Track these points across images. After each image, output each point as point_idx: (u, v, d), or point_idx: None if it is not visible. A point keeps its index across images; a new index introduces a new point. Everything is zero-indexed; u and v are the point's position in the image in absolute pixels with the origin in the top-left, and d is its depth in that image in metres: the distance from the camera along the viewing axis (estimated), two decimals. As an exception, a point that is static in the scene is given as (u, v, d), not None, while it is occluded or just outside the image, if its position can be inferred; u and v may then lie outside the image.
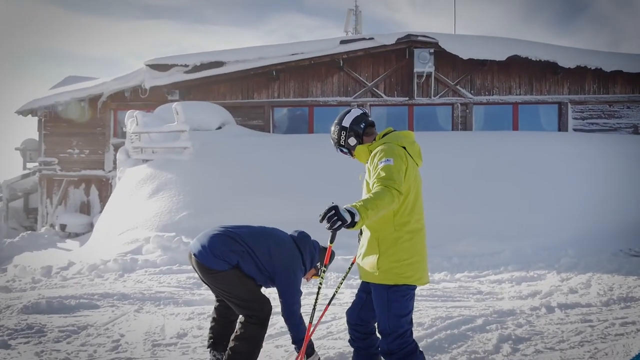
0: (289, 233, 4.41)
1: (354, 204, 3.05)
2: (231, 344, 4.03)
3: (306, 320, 5.20)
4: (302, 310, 6.37)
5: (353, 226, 3.00)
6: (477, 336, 5.26)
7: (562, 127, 14.95)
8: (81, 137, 16.89)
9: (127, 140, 13.81)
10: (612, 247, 9.49)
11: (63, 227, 15.66)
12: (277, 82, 15.71)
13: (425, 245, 3.56)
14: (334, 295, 4.23)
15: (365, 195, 3.49)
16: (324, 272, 3.61)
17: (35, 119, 17.14)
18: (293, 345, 4.14)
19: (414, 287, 3.46)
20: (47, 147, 17.10)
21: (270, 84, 15.76)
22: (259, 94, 15.84)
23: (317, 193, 10.43)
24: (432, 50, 14.52)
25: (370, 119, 3.72)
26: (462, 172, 11.69)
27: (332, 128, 3.76)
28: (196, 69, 15.35)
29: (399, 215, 3.39)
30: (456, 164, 11.90)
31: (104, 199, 16.26)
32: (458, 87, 15.15)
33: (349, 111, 3.74)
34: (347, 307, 3.83)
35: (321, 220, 3.01)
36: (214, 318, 4.41)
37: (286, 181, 11.54)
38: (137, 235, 10.56)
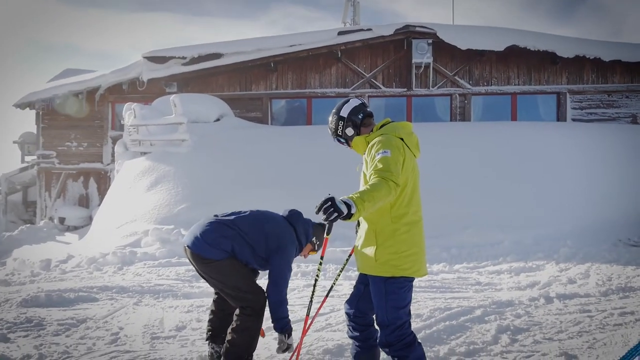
0: (281, 213, 4.42)
1: (350, 195, 3.03)
2: (228, 336, 4.04)
3: (303, 312, 5.20)
4: (300, 302, 6.40)
5: (349, 218, 2.98)
6: (475, 327, 5.27)
7: (560, 117, 14.92)
8: (79, 130, 16.86)
9: (125, 133, 13.79)
10: (611, 237, 9.50)
11: (62, 220, 15.66)
12: (275, 73, 15.66)
13: (423, 237, 3.55)
14: (332, 287, 4.21)
15: (362, 187, 3.48)
16: (320, 263, 3.60)
17: (33, 112, 17.10)
18: (276, 330, 4.07)
19: (412, 279, 3.46)
20: (45, 140, 17.07)
21: (269, 76, 15.71)
22: (257, 86, 15.79)
23: (315, 184, 10.42)
24: (430, 41, 14.46)
25: (368, 109, 3.70)
26: (461, 163, 11.68)
27: (330, 118, 3.73)
28: (194, 61, 15.30)
29: (396, 207, 3.37)
30: (454, 154, 11.88)
31: (102, 192, 16.26)
32: (456, 77, 15.11)
33: (347, 101, 3.71)
34: (346, 299, 3.82)
35: (317, 212, 3.00)
36: (212, 311, 4.42)
37: (284, 173, 11.53)
38: (136, 228, 10.56)
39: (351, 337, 3.73)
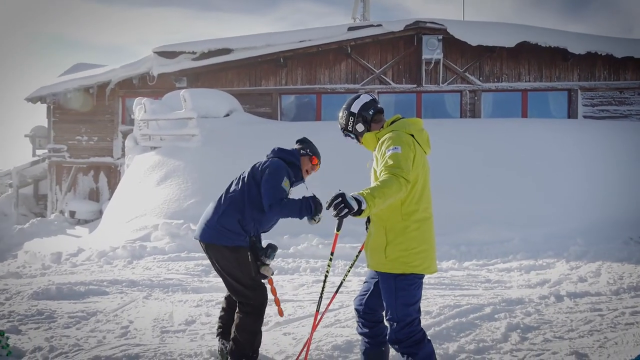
0: None
1: (361, 191, 3.02)
2: (232, 334, 4.07)
3: (313, 308, 5.20)
4: (309, 298, 6.40)
5: (359, 214, 2.98)
6: (485, 325, 5.25)
7: (571, 114, 14.82)
8: (90, 124, 16.94)
9: (135, 128, 13.85)
10: (622, 235, 9.42)
11: (72, 213, 15.76)
12: (285, 69, 15.64)
13: (434, 234, 3.53)
14: (342, 283, 4.21)
15: (373, 183, 3.47)
16: (330, 259, 3.58)
17: (45, 106, 17.19)
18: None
19: (421, 276, 3.45)
20: (56, 134, 17.16)
21: (278, 71, 15.70)
22: (266, 81, 15.79)
23: (324, 180, 10.40)
24: (440, 37, 14.39)
25: (379, 105, 3.68)
26: (471, 159, 11.62)
27: (340, 113, 3.72)
28: (204, 56, 15.33)
29: (406, 204, 3.36)
30: (464, 151, 11.83)
31: (112, 186, 16.34)
32: (467, 74, 15.04)
33: (358, 97, 3.71)
34: (355, 295, 3.81)
35: (328, 208, 2.99)
36: (223, 308, 4.44)
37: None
38: (146, 222, 10.60)
39: (360, 334, 3.73)
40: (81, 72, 17.77)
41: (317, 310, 3.75)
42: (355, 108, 3.65)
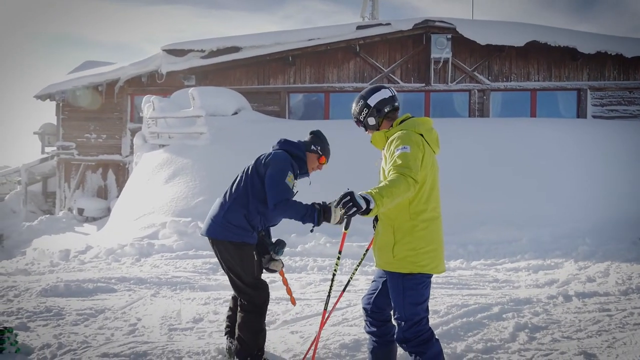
0: None
1: (369, 190, 3.01)
2: (236, 333, 4.07)
3: (320, 306, 5.20)
4: (317, 296, 6.40)
5: (368, 213, 2.97)
6: (493, 324, 5.23)
7: (581, 113, 14.74)
8: (98, 122, 17.00)
9: (143, 125, 13.88)
10: (631, 235, 9.36)
11: (81, 211, 15.83)
12: (293, 67, 15.64)
13: (442, 233, 3.52)
14: (349, 281, 4.20)
15: (381, 183, 3.46)
16: (338, 258, 3.58)
17: (54, 103, 17.27)
18: (308, 225, 3.84)
19: (429, 276, 3.43)
20: (65, 131, 17.24)
21: (286, 70, 15.70)
22: (275, 80, 15.79)
23: (332, 179, 10.40)
24: (449, 36, 14.34)
25: (396, 103, 3.63)
26: (479, 159, 11.59)
27: (356, 101, 3.67)
28: (212, 54, 15.35)
29: (414, 203, 3.35)
30: (473, 151, 11.80)
31: (121, 183, 16.39)
32: (475, 73, 14.98)
33: (378, 89, 3.62)
34: (362, 294, 3.80)
35: (336, 206, 2.99)
36: (230, 307, 4.44)
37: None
38: (154, 220, 10.63)
39: (368, 333, 3.72)
40: (90, 69, 17.84)
41: (325, 309, 3.75)
42: (372, 101, 3.60)
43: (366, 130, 3.69)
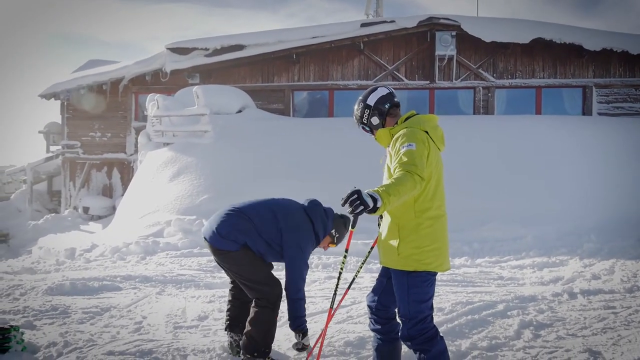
0: (301, 202, 4.39)
1: (375, 189, 3.01)
2: (246, 328, 4.08)
3: (325, 304, 5.21)
4: (321, 294, 6.40)
5: (375, 211, 2.96)
6: (498, 322, 5.23)
7: (586, 111, 14.69)
8: (103, 121, 17.04)
9: (148, 124, 13.91)
10: (636, 232, 9.33)
11: (86, 209, 15.88)
12: (298, 65, 15.64)
13: (447, 231, 3.51)
14: (354, 279, 4.21)
15: (386, 180, 3.45)
16: (344, 256, 3.59)
17: (58, 102, 17.32)
18: (291, 328, 4.10)
19: (434, 273, 3.43)
20: (70, 130, 17.29)
21: (291, 68, 15.70)
22: (279, 78, 15.80)
23: (337, 177, 10.42)
24: (454, 33, 14.32)
25: (396, 99, 3.63)
26: (484, 156, 11.57)
27: (356, 105, 3.68)
28: (216, 52, 15.36)
29: (419, 201, 3.34)
30: (478, 148, 11.78)
31: (125, 182, 16.42)
32: (480, 70, 14.95)
33: (375, 89, 3.65)
34: (367, 292, 3.81)
35: (343, 204, 2.98)
36: (229, 300, 4.47)
37: (306, 165, 11.53)
38: (159, 218, 10.66)
39: (373, 330, 3.72)
40: (94, 68, 17.88)
41: (331, 307, 3.76)
42: (371, 101, 3.61)
43: (373, 134, 3.68)
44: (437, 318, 5.13)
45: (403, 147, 3.24)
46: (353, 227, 3.35)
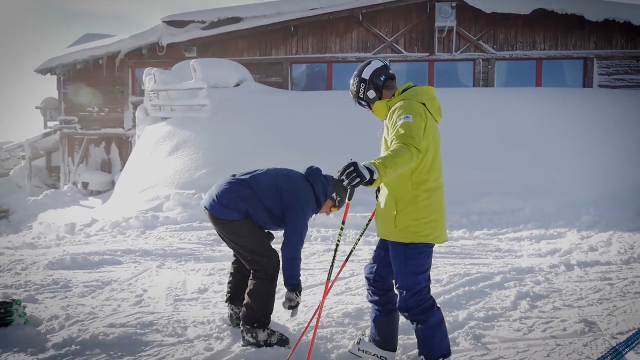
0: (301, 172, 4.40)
1: (372, 161, 3.00)
2: (244, 300, 4.11)
3: (323, 276, 5.24)
4: (320, 266, 6.45)
5: (371, 183, 2.97)
6: (495, 293, 5.28)
7: (587, 83, 14.61)
8: (100, 95, 16.94)
9: (145, 98, 13.84)
10: (634, 205, 9.36)
11: (85, 185, 15.90)
12: (295, 38, 15.49)
13: (444, 203, 3.52)
14: (352, 251, 4.23)
15: (383, 153, 3.45)
16: (341, 229, 3.60)
17: (54, 77, 17.20)
18: (286, 286, 4.06)
19: (431, 245, 3.45)
20: (67, 105, 17.20)
21: (288, 40, 15.55)
22: (277, 51, 15.67)
23: (335, 149, 10.40)
24: (454, 4, 14.16)
25: (390, 71, 3.61)
26: (483, 129, 11.54)
27: (351, 80, 3.66)
28: (213, 25, 15.20)
29: (417, 173, 3.34)
30: (477, 120, 11.74)
31: (124, 156, 16.41)
32: (480, 42, 14.82)
33: (369, 63, 3.62)
34: (365, 264, 3.84)
35: (340, 176, 2.98)
36: (231, 273, 4.50)
37: (305, 138, 11.50)
38: (158, 192, 10.67)
39: (370, 301, 3.76)
40: (90, 42, 17.71)
41: (328, 279, 3.78)
42: (366, 74, 3.58)
43: (370, 109, 3.65)
44: (434, 289, 5.18)
45: (400, 119, 3.23)
46: (350, 199, 3.35)
